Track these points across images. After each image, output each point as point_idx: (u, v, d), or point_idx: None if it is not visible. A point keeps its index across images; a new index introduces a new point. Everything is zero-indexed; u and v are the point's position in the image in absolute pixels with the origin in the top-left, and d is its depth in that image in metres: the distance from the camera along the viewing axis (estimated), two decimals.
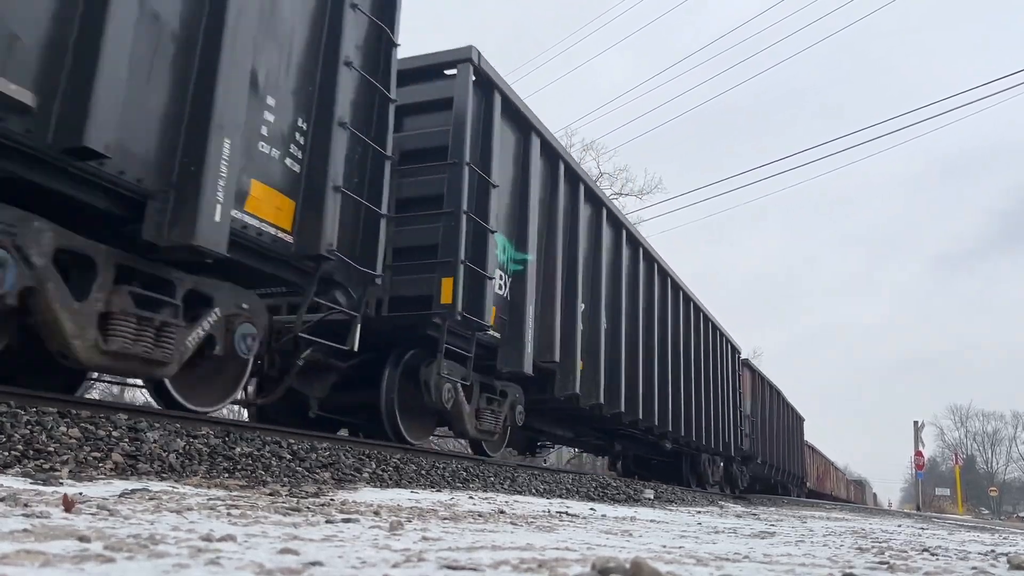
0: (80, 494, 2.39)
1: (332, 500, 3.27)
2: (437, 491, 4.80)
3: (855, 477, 56.81)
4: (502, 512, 3.79)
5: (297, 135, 4.57)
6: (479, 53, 6.52)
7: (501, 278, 7.01)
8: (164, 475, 3.43)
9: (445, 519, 3.02)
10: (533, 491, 6.51)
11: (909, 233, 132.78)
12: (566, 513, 4.36)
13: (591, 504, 5.96)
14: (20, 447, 3.05)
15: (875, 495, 73.86)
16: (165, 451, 3.60)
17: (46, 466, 3.02)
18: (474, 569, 1.59)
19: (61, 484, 2.67)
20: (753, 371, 15.35)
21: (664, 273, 11.31)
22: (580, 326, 8.22)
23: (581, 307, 8.31)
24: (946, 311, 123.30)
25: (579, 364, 8.16)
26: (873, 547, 3.44)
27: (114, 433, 3.46)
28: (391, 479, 5.00)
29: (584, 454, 22.69)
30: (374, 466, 5.00)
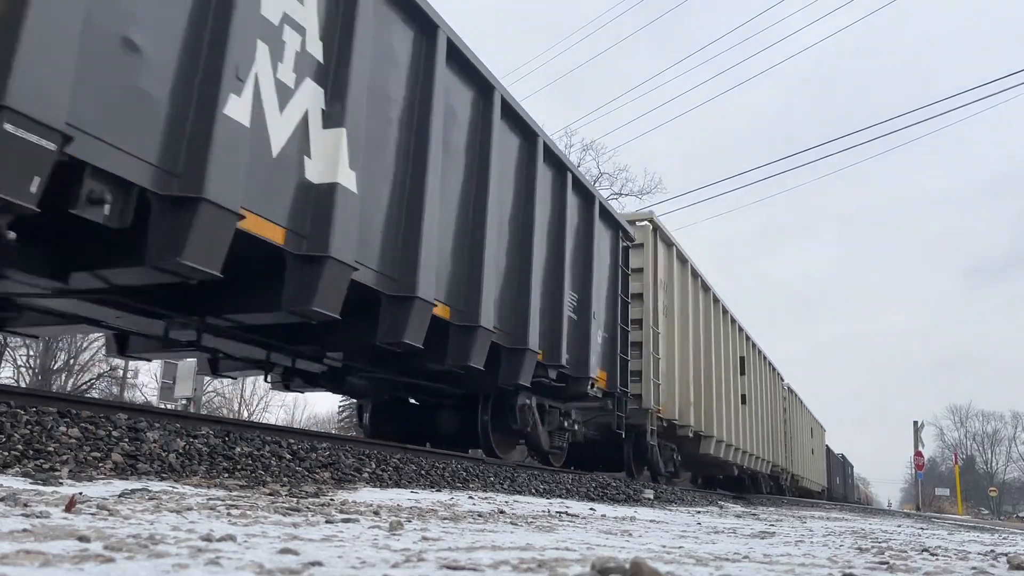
0: (80, 494, 2.39)
1: (332, 500, 3.27)
2: (437, 491, 4.80)
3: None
4: (502, 512, 3.79)
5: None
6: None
7: None
8: (164, 475, 3.43)
9: (445, 519, 3.02)
10: (533, 491, 6.51)
11: (945, 245, 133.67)
12: (566, 513, 4.36)
13: (591, 504, 5.96)
14: (20, 447, 3.05)
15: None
16: (165, 451, 3.60)
17: (46, 466, 3.02)
18: (474, 569, 1.59)
19: (61, 484, 2.67)
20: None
21: None
22: None
23: None
24: (968, 319, 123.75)
25: None
26: (873, 547, 3.44)
27: (114, 433, 3.47)
28: (391, 479, 5.01)
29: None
30: (374, 466, 5.00)
